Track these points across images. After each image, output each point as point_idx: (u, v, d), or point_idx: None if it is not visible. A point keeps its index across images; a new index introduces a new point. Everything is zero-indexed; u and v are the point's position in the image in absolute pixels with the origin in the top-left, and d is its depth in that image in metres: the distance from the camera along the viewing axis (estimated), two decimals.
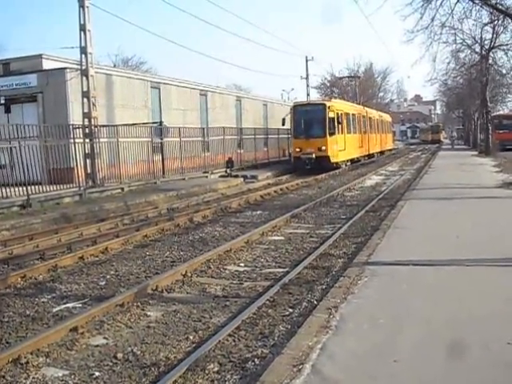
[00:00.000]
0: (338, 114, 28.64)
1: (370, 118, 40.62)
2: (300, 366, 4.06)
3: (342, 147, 29.10)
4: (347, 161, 31.36)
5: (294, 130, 28.71)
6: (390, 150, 53.30)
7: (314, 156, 26.73)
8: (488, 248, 7.86)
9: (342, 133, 29.38)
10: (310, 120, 27.90)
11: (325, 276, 7.58)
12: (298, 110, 28.73)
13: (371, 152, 39.94)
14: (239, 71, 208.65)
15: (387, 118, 53.57)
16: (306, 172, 26.30)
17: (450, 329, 4.78)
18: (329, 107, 27.91)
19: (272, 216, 13.60)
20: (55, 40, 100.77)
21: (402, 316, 5.18)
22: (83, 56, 18.76)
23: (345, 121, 30.42)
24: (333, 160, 27.79)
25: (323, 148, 27.05)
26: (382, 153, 46.11)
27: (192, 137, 25.37)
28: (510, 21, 21.97)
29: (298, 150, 27.82)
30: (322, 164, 26.95)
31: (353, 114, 34.25)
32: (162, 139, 23.15)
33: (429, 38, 25.40)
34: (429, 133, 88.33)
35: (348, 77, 56.05)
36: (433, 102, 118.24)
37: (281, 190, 20.06)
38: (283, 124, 29.43)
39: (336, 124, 28.04)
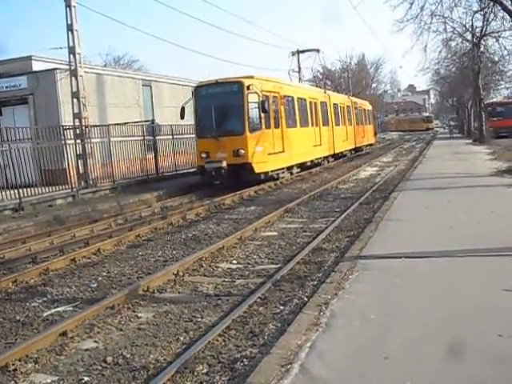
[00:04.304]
0: (266, 97, 18.99)
1: (334, 105, 30.80)
2: (288, 366, 3.99)
3: (276, 148, 19.79)
4: (289, 168, 21.70)
5: (198, 124, 19.57)
6: (371, 145, 43.82)
7: (224, 165, 17.64)
8: (481, 238, 7.80)
9: (276, 126, 20.06)
10: (220, 109, 18.39)
11: (317, 271, 7.52)
12: (202, 93, 19.10)
13: (338, 151, 30.43)
14: (231, 67, 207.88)
15: (365, 105, 43.46)
16: (215, 189, 18.21)
17: (442, 323, 4.71)
18: (248, 87, 18.24)
19: (265, 211, 13.52)
20: (49, 41, 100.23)
21: (394, 311, 5.12)
22: (72, 56, 18.65)
23: (282, 108, 20.91)
24: (259, 169, 18.46)
25: (241, 152, 17.95)
26: (357, 150, 36.65)
27: (185, 134, 25.24)
28: (499, 8, 21.88)
29: (203, 155, 18.41)
30: (241, 176, 18.18)
31: (300, 99, 23.96)
32: (154, 137, 23.02)
33: (419, 28, 25.55)
34: (422, 122, 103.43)
35: (310, 50, 43.28)
36: (426, 92, 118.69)
37: (275, 184, 19.97)
38: (182, 117, 19.75)
39: (262, 113, 18.61)
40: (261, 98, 18.46)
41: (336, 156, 30.29)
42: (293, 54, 42.26)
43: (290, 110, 22.41)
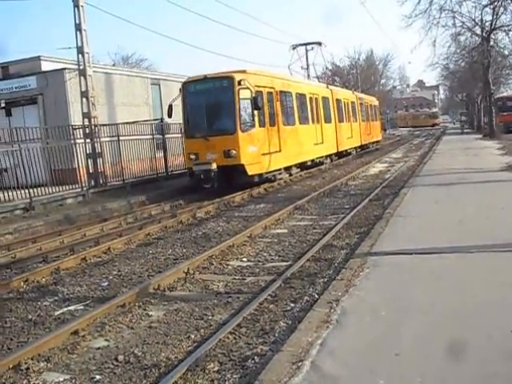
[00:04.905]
0: (259, 92, 17.61)
1: (337, 101, 28.96)
2: (299, 363, 4.00)
3: (272, 148, 18.35)
4: (287, 168, 20.44)
5: (186, 123, 18.17)
6: (378, 142, 41.98)
7: (214, 167, 16.26)
8: (492, 234, 7.75)
9: (272, 124, 18.66)
10: (209, 106, 17.23)
11: (327, 268, 7.53)
12: (190, 89, 17.69)
13: (342, 149, 28.90)
14: (238, 64, 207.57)
15: (371, 101, 41.50)
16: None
17: (453, 319, 4.70)
18: (239, 82, 16.80)
19: (275, 209, 13.52)
20: (57, 41, 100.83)
21: (404, 307, 5.10)
22: (80, 56, 18.71)
23: (278, 104, 19.43)
24: (252, 171, 17.09)
25: (232, 152, 16.60)
26: (363, 147, 35.15)
27: None
28: (509, 1, 21.76)
29: (192, 156, 17.16)
30: (233, 178, 17.24)
31: (298, 94, 22.30)
32: (163, 136, 23.05)
33: (428, 23, 25.56)
34: (429, 118, 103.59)
35: (311, 43, 41.01)
36: (436, 87, 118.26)
37: (284, 182, 19.93)
38: (169, 115, 18.48)
39: (255, 110, 17.24)
40: (253, 94, 16.98)
41: (340, 154, 28.78)
42: (293, 48, 39.72)
43: (287, 106, 20.83)
